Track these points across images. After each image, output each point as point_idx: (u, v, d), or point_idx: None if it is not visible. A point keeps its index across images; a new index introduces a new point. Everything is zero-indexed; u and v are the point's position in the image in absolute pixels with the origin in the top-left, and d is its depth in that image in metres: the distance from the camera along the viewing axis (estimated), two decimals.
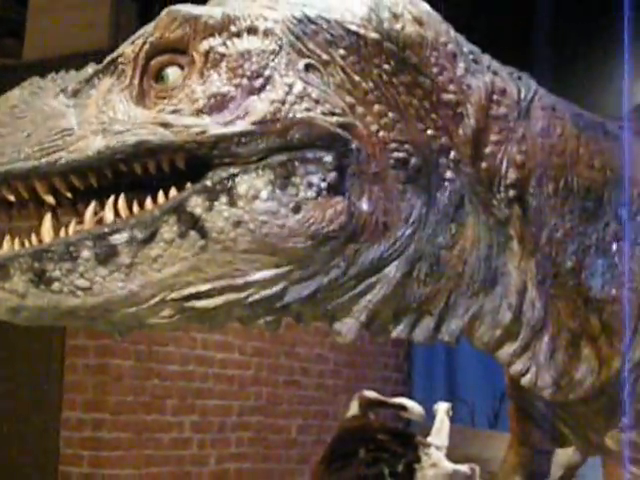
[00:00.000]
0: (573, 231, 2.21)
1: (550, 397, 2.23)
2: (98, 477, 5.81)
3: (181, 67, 1.85)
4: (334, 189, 1.82)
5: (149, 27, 1.87)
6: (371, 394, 5.65)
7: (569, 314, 2.21)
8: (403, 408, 5.61)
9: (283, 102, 1.81)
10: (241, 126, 1.79)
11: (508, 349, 2.15)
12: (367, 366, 8.12)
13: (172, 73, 1.85)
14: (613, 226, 2.29)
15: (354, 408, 5.50)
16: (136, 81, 1.85)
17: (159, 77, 1.86)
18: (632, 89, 6.47)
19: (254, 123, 1.79)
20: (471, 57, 2.11)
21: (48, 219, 1.83)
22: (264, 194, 1.78)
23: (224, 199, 1.78)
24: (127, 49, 1.89)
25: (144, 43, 1.86)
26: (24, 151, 1.79)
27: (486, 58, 2.16)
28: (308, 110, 1.82)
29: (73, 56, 5.88)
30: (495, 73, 2.14)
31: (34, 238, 1.83)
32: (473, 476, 5.56)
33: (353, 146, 1.86)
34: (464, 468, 5.52)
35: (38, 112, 1.83)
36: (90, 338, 5.92)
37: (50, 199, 1.83)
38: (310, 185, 1.80)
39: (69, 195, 1.84)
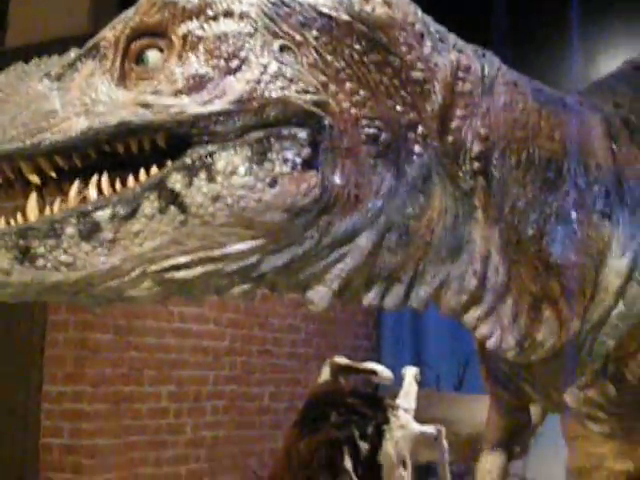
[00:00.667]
0: (535, 200, 2.24)
1: (514, 358, 2.28)
2: (78, 448, 5.88)
3: (160, 50, 1.88)
4: (308, 164, 1.86)
5: (129, 12, 1.91)
6: (341, 360, 5.80)
7: (531, 279, 2.24)
8: (373, 373, 5.76)
9: (259, 82, 1.84)
10: (219, 105, 1.82)
11: (474, 313, 2.18)
12: (337, 335, 8.21)
13: (152, 56, 1.88)
14: (572, 195, 2.31)
15: (325, 373, 5.64)
16: (117, 64, 1.88)
17: (139, 60, 1.88)
18: (584, 66, 6.64)
19: (231, 102, 1.82)
20: (437, 36, 2.14)
21: (33, 198, 1.85)
22: (241, 170, 1.81)
23: (203, 175, 1.81)
24: (108, 33, 1.91)
25: (125, 27, 1.89)
26: (9, 133, 1.80)
27: (452, 37, 2.20)
28: (283, 89, 1.85)
29: (55, 42, 5.91)
30: (460, 51, 2.18)
31: (19, 217, 1.85)
32: (439, 437, 5.74)
33: (326, 123, 1.89)
34: (431, 429, 5.68)
35: (23, 96, 1.85)
36: (70, 313, 5.98)
37: (35, 179, 1.85)
38: (285, 160, 1.83)
39: (54, 175, 1.86)
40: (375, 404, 5.51)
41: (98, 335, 5.99)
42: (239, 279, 1.92)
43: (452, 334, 8.28)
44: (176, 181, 1.80)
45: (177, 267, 1.84)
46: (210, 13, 1.88)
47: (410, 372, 5.95)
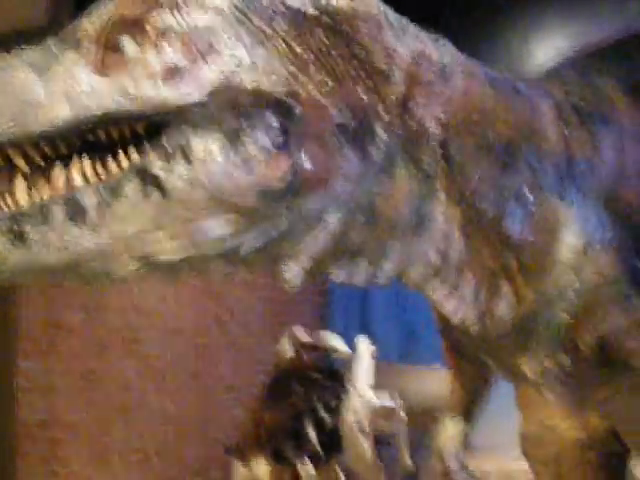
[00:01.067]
0: (493, 182, 2.28)
1: (474, 332, 2.33)
2: (53, 422, 5.97)
3: (137, 41, 1.91)
4: (280, 150, 1.91)
5: (108, 4, 1.95)
6: (301, 334, 6.08)
7: (490, 256, 2.30)
8: (330, 345, 6.08)
9: (233, 72, 1.90)
10: (196, 94, 1.87)
11: (438, 291, 2.25)
12: (290, 313, 8.29)
13: (130, 47, 1.91)
14: (527, 176, 2.36)
15: (287, 347, 5.92)
16: (97, 55, 1.91)
17: (117, 51, 1.91)
18: (518, 49, 6.82)
19: (208, 91, 1.87)
20: (398, 27, 2.19)
21: (21, 184, 1.88)
22: (218, 156, 1.87)
23: (182, 160, 1.86)
24: (88, 25, 1.95)
25: (104, 20, 1.93)
26: None
27: (412, 27, 2.25)
28: (256, 79, 1.91)
29: (13, 33, 5.91)
30: (420, 41, 2.23)
31: (10, 202, 1.88)
32: (396, 406, 6.06)
33: (297, 111, 1.94)
34: (388, 400, 5.99)
35: (7, 85, 1.88)
36: (42, 293, 6.05)
37: (23, 165, 1.88)
38: (259, 147, 1.89)
39: (41, 162, 1.89)
40: (335, 376, 5.77)
41: (68, 314, 6.10)
42: (219, 260, 1.98)
43: (398, 307, 8.55)
44: (156, 166, 1.86)
45: (161, 251, 1.91)
46: (184, 6, 1.93)
47: (365, 345, 6.16)
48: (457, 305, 2.27)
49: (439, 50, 2.24)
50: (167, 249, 1.90)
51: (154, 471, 6.70)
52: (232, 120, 1.88)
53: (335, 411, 5.61)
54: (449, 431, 3.11)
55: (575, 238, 2.38)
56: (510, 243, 2.30)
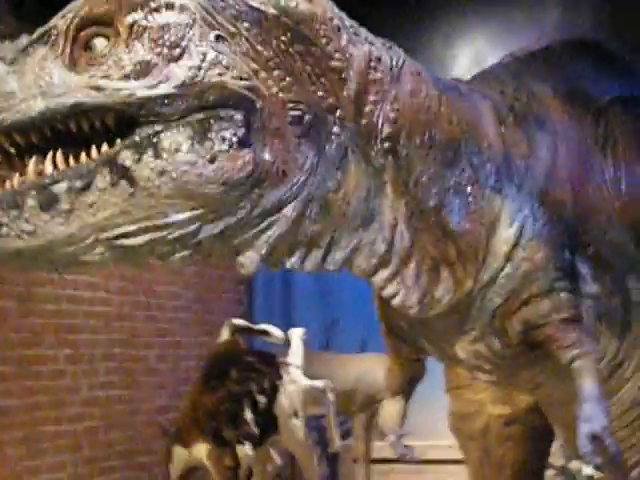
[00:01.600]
0: (436, 176, 2.38)
1: (415, 314, 2.44)
2: None
3: (107, 38, 1.98)
4: (242, 143, 1.98)
5: (79, 2, 2.01)
6: (238, 321, 6.22)
7: (432, 244, 2.39)
8: (266, 333, 6.22)
9: (199, 68, 1.97)
10: (164, 89, 1.94)
11: (382, 275, 2.35)
12: (213, 301, 8.38)
13: (99, 43, 1.98)
14: (467, 172, 2.46)
15: (225, 334, 6.04)
16: (67, 50, 1.97)
17: (87, 47, 1.98)
18: (441, 49, 6.93)
19: (175, 86, 1.95)
20: (352, 30, 2.29)
21: None
22: (184, 147, 1.94)
23: (150, 152, 1.93)
24: (59, 22, 2.00)
25: (74, 17, 1.98)
26: None
27: (363, 31, 2.34)
28: (220, 75, 1.98)
29: None
30: (371, 43, 2.32)
31: None
32: (326, 390, 6.26)
33: (258, 106, 2.02)
34: (319, 384, 6.19)
35: None
36: None
37: None
38: (223, 139, 1.96)
39: (13, 151, 1.97)
40: (269, 362, 5.93)
41: (1, 302, 6.08)
42: (179, 246, 2.04)
43: (320, 298, 8.68)
44: (126, 157, 1.93)
45: (126, 235, 1.97)
46: (153, 5, 2.00)
47: (297, 333, 6.37)
48: (398, 288, 2.38)
49: (388, 52, 2.35)
50: (132, 234, 1.97)
51: (83, 455, 6.73)
52: (198, 114, 1.96)
53: (270, 394, 5.77)
54: (390, 409, 3.24)
55: (509, 229, 2.51)
56: (449, 232, 2.42)
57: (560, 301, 2.54)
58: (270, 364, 5.94)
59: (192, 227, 2.01)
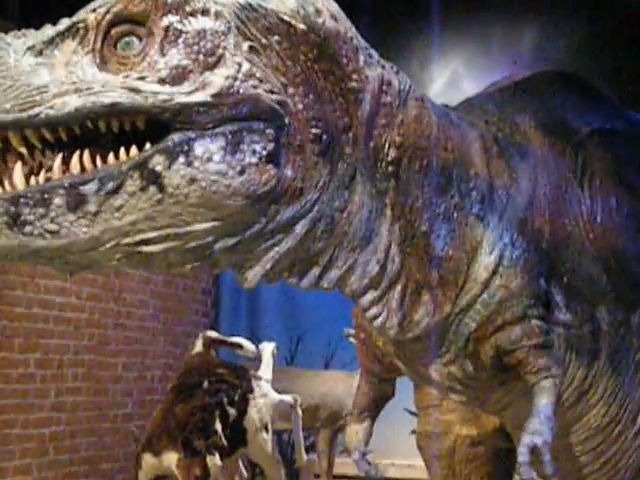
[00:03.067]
0: (428, 201, 2.39)
1: (393, 336, 2.45)
2: None
3: (139, 38, 1.93)
4: (270, 157, 1.96)
5: None
6: (213, 334, 6.25)
7: (417, 269, 2.40)
8: (239, 346, 6.26)
9: (235, 79, 1.93)
10: (201, 97, 1.90)
11: (369, 297, 2.36)
12: (180, 311, 8.44)
13: (131, 42, 1.93)
14: (456, 199, 2.47)
15: (198, 346, 6.05)
16: (98, 46, 1.92)
17: (118, 45, 1.93)
18: (419, 72, 6.98)
19: (212, 95, 1.91)
20: (367, 51, 2.29)
21: (19, 167, 1.88)
22: (217, 157, 1.90)
23: (182, 159, 1.88)
24: (89, 16, 1.95)
25: (107, 12, 1.93)
26: (4, 104, 1.83)
27: (375, 53, 2.33)
28: (255, 87, 1.95)
29: None
30: (383, 67, 2.32)
31: (7, 184, 1.88)
32: (295, 405, 6.32)
33: (286, 121, 2.00)
34: (288, 398, 6.24)
35: (11, 68, 1.87)
36: None
37: (23, 149, 1.89)
38: (254, 152, 1.93)
39: (39, 146, 1.90)
40: (241, 375, 5.98)
41: None
42: (193, 256, 2.02)
43: (285, 313, 8.77)
44: (158, 163, 1.88)
45: (146, 241, 1.93)
46: (188, 9, 1.96)
47: (269, 347, 6.45)
48: (382, 310, 2.40)
49: (396, 76, 2.37)
50: (151, 241, 1.94)
51: (48, 458, 6.76)
52: (231, 124, 1.93)
53: (240, 406, 5.82)
54: (356, 427, 3.14)
55: (489, 256, 2.53)
56: (434, 257, 2.43)
57: (532, 328, 2.56)
58: (241, 377, 5.98)
59: (209, 238, 1.99)
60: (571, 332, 2.72)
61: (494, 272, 2.55)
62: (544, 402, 2.52)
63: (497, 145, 2.70)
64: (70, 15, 2.01)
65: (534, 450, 2.44)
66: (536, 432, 2.46)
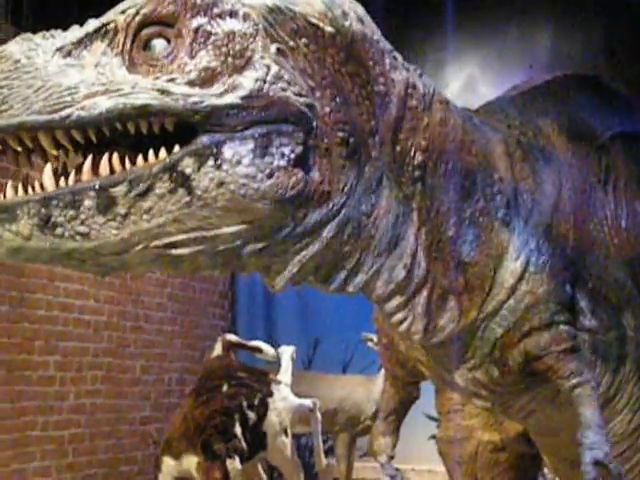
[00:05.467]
0: (454, 206, 2.38)
1: (418, 341, 2.46)
2: None
3: (168, 39, 1.92)
4: (298, 160, 1.95)
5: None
6: (232, 337, 6.26)
7: (443, 274, 2.38)
8: (258, 350, 6.27)
9: (264, 81, 1.92)
10: (231, 99, 1.89)
11: (395, 302, 2.34)
12: (198, 314, 8.45)
13: (159, 44, 1.92)
14: (481, 203, 2.46)
15: (218, 349, 6.06)
16: (127, 48, 1.91)
17: (147, 46, 1.92)
18: (434, 75, 6.99)
19: (241, 97, 1.90)
20: (392, 54, 2.27)
21: (49, 169, 1.88)
22: (246, 160, 1.88)
23: (211, 162, 1.87)
24: (119, 17, 1.94)
25: (136, 14, 1.93)
26: (35, 105, 1.82)
27: (399, 56, 2.32)
28: (284, 90, 1.94)
29: None
30: (407, 70, 2.31)
31: (37, 186, 1.87)
32: (314, 408, 6.32)
33: (314, 124, 1.99)
34: (307, 402, 6.23)
35: (41, 69, 1.87)
36: None
37: (53, 150, 1.88)
38: (282, 155, 1.92)
39: (70, 148, 1.89)
40: (260, 378, 5.97)
41: None
42: (221, 259, 2.01)
43: (302, 317, 8.73)
44: (187, 165, 1.87)
45: (175, 244, 1.92)
46: (217, 11, 1.95)
47: (288, 351, 6.44)
48: (407, 316, 2.38)
49: (421, 80, 2.36)
50: (180, 243, 1.93)
51: (67, 460, 6.77)
52: (260, 127, 1.92)
53: (260, 410, 5.82)
54: (380, 431, 3.15)
55: (515, 262, 2.52)
56: (460, 263, 2.42)
57: (560, 333, 2.56)
58: (261, 381, 5.98)
59: (237, 242, 1.98)
60: (597, 338, 2.71)
61: (521, 278, 2.53)
62: (590, 411, 2.51)
63: (520, 149, 2.68)
64: (82, 21, 2.02)
65: (597, 464, 2.44)
66: (594, 446, 2.46)
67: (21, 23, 6.29)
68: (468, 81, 7.06)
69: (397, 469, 3.05)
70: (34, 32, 1.97)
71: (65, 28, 1.99)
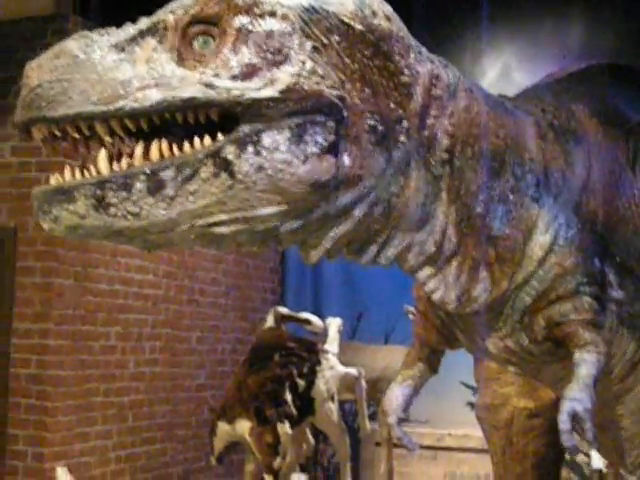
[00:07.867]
0: (483, 185, 2.47)
1: (452, 310, 2.54)
2: (43, 377, 6.21)
3: (213, 37, 2.02)
4: (331, 147, 2.05)
5: (188, 0, 2.05)
6: (283, 310, 6.39)
7: (474, 247, 2.47)
8: (307, 322, 6.39)
9: (300, 76, 2.02)
10: (270, 92, 1.99)
11: (427, 272, 2.45)
12: (250, 288, 8.57)
13: (205, 41, 2.02)
14: (511, 182, 2.55)
15: (270, 321, 6.19)
16: (176, 45, 2.01)
17: (194, 43, 2.02)
18: (471, 65, 7.02)
19: (279, 91, 2.00)
20: (417, 48, 2.37)
21: (103, 154, 1.99)
22: (283, 147, 1.99)
23: (251, 149, 1.98)
24: (169, 17, 2.04)
25: (185, 14, 2.03)
26: (92, 97, 1.92)
27: (424, 49, 2.42)
28: (318, 84, 2.04)
29: (23, 20, 6.21)
30: (432, 62, 2.41)
31: (92, 169, 1.98)
32: (359, 377, 6.44)
33: (344, 114, 2.09)
34: (353, 371, 6.38)
35: (98, 63, 1.97)
36: (37, 260, 6.25)
37: (108, 138, 1.98)
38: (316, 143, 2.03)
39: (123, 136, 2.00)
40: (310, 348, 6.14)
41: (61, 280, 6.27)
42: (260, 237, 2.13)
43: (347, 291, 8.82)
44: (229, 152, 1.98)
45: (218, 223, 2.03)
46: (257, 11, 2.05)
47: (335, 322, 6.57)
48: (439, 285, 2.48)
49: (446, 71, 2.46)
50: (223, 223, 2.04)
51: (127, 424, 6.95)
52: (296, 117, 2.02)
53: (308, 378, 5.95)
54: (395, 391, 3.07)
55: (545, 235, 2.60)
56: (491, 236, 2.51)
57: (582, 303, 2.61)
58: (310, 351, 6.12)
59: (275, 221, 2.08)
60: (623, 309, 2.79)
61: (549, 250, 2.60)
62: (585, 372, 2.54)
63: (552, 131, 2.76)
64: (146, 14, 2.12)
65: (574, 417, 2.45)
66: (575, 399, 2.48)
67: (89, 15, 6.40)
68: (504, 70, 7.09)
69: (406, 433, 2.99)
70: (102, 25, 2.10)
71: (133, 20, 2.10)
